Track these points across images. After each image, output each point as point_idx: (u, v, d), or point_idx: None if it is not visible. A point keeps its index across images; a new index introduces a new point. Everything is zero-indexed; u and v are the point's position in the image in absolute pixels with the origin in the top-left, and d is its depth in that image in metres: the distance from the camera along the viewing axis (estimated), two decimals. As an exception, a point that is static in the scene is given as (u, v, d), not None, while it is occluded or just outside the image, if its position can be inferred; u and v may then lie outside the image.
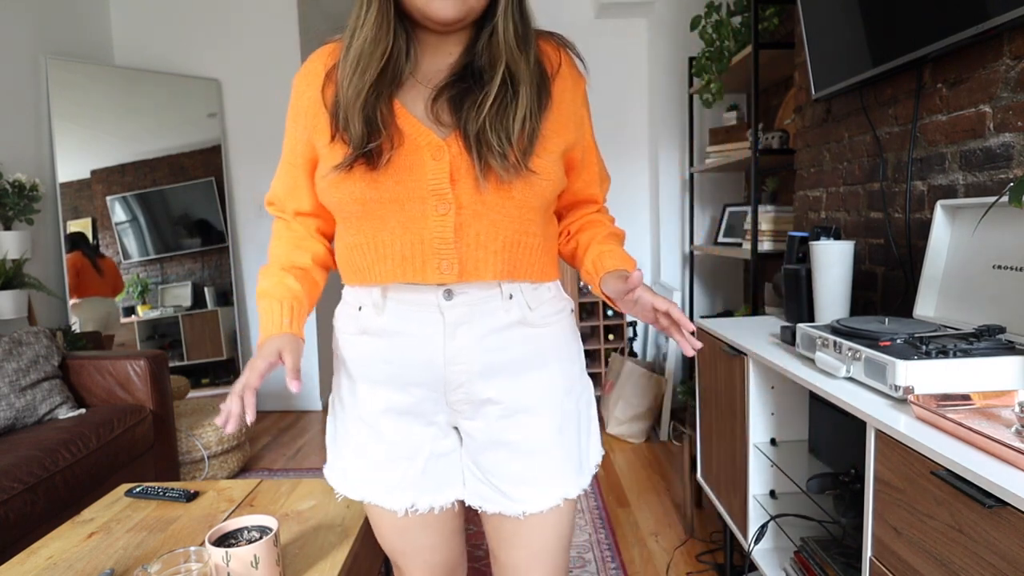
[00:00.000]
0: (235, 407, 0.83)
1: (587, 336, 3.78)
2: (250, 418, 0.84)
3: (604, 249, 0.99)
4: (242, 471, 2.93)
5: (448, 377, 0.92)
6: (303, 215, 1.01)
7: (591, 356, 3.82)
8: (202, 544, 1.10)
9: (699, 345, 0.86)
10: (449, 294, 0.89)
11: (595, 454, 1.04)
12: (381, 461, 0.96)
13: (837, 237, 1.66)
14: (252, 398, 0.84)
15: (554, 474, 0.96)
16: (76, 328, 3.10)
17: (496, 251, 0.88)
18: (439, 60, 0.90)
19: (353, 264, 0.93)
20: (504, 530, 1.00)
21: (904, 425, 0.98)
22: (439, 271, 0.87)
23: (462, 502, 1.02)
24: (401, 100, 0.87)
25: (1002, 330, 1.14)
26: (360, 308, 0.95)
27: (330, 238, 1.04)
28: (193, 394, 3.50)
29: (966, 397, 1.00)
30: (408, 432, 0.95)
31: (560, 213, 1.07)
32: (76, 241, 3.19)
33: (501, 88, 0.85)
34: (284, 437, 3.43)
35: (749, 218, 2.60)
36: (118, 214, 3.34)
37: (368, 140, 0.84)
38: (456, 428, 0.99)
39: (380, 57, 0.84)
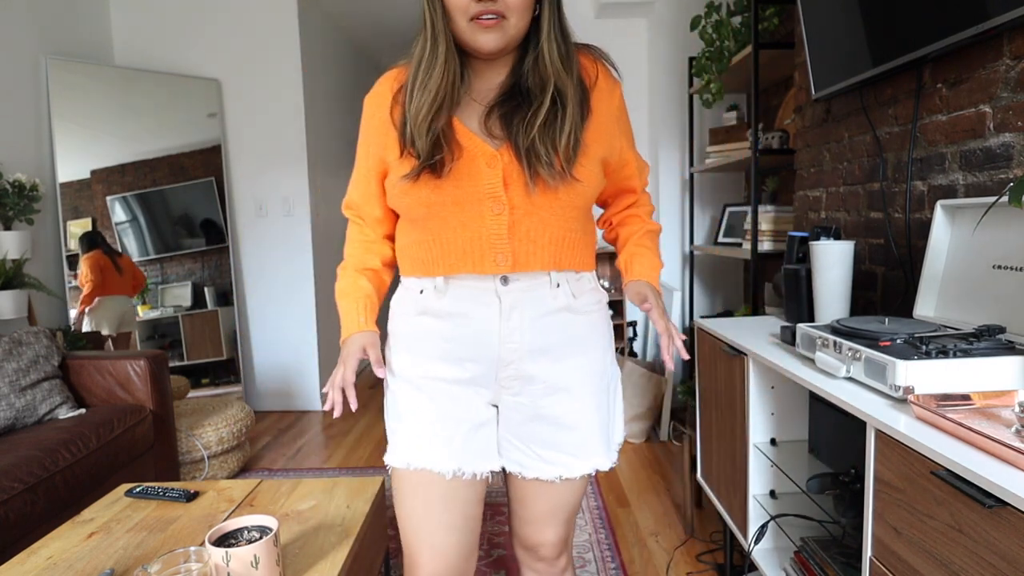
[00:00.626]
0: (339, 397, 1.01)
1: (587, 336, 3.78)
2: (354, 406, 1.01)
3: (636, 251, 1.15)
4: (242, 471, 2.93)
5: (502, 355, 1.03)
6: (377, 220, 1.13)
7: (591, 356, 3.82)
8: (202, 544, 1.10)
9: (679, 358, 0.97)
10: (505, 280, 1.01)
11: (619, 434, 1.15)
12: (433, 419, 1.05)
13: (837, 237, 1.66)
14: (352, 391, 1.02)
15: (589, 446, 1.08)
16: (89, 325, 3.11)
17: (544, 245, 1.01)
18: (489, 81, 1.02)
19: (418, 258, 1.05)
20: (533, 489, 1.11)
21: (904, 425, 0.98)
22: (495, 263, 0.99)
23: (484, 489, 1.12)
24: (459, 117, 1.00)
25: (1002, 330, 1.14)
26: (422, 291, 1.06)
27: (394, 240, 1.16)
28: (193, 394, 3.50)
29: (966, 397, 1.00)
30: (458, 396, 1.05)
31: (604, 201, 1.21)
32: (94, 240, 3.19)
33: (552, 106, 0.96)
34: (284, 437, 3.43)
35: (749, 218, 2.60)
36: (118, 214, 3.34)
37: (432, 154, 0.96)
38: (495, 406, 1.09)
39: (444, 85, 0.96)
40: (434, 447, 1.04)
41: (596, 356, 1.09)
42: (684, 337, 1.01)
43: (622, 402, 1.16)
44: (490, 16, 0.91)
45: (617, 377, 1.15)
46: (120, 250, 3.34)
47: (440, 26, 0.94)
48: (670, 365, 1.00)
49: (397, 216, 1.12)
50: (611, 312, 1.19)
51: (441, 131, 0.96)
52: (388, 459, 1.08)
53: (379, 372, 1.02)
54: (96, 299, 3.14)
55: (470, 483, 1.06)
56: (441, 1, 0.93)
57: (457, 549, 1.07)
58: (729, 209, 3.25)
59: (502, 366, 1.04)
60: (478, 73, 1.02)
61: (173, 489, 1.64)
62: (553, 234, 1.01)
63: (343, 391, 1.02)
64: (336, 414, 1.01)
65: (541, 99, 0.96)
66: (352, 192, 1.14)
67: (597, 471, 1.09)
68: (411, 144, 0.97)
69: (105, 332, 3.18)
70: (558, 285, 1.04)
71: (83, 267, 3.11)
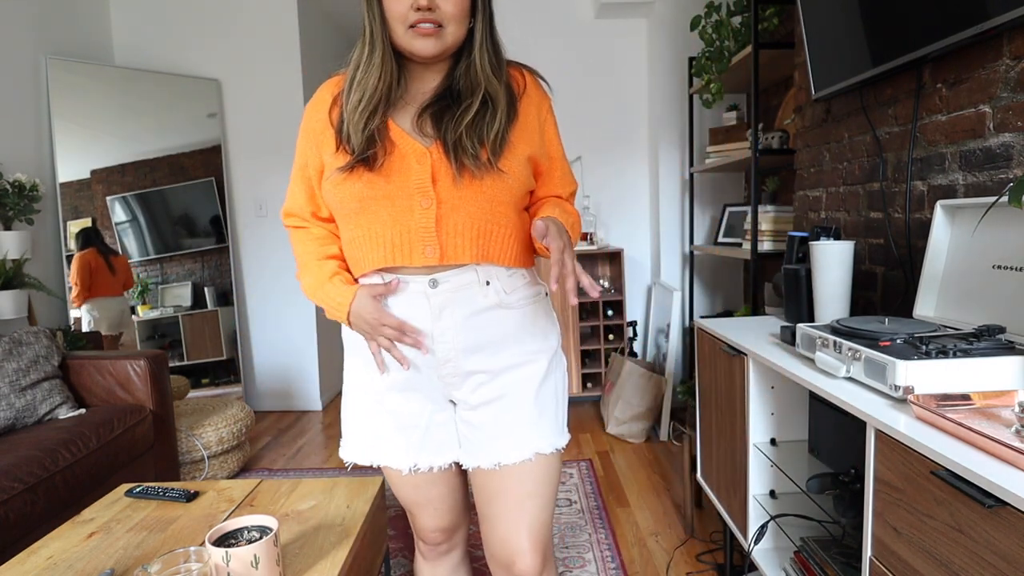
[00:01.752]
0: (407, 348, 1.07)
1: (587, 336, 3.78)
2: (424, 348, 1.07)
3: (547, 208, 1.12)
4: (242, 471, 2.93)
5: (437, 354, 1.08)
6: (321, 219, 1.16)
7: (591, 356, 3.82)
8: (202, 544, 1.10)
9: (568, 295, 0.94)
10: (434, 283, 1.05)
11: (562, 417, 1.17)
12: (389, 431, 1.14)
13: (837, 237, 1.66)
14: (416, 332, 1.06)
15: (527, 431, 1.10)
16: (88, 325, 3.10)
17: (471, 238, 1.04)
18: (424, 84, 1.09)
19: (353, 257, 1.10)
20: (487, 487, 1.13)
21: (904, 425, 0.98)
22: (424, 255, 1.03)
23: (454, 467, 1.20)
24: (393, 117, 1.05)
25: (1002, 330, 1.15)
26: None
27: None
28: (193, 394, 3.50)
29: (966, 397, 1.00)
30: (410, 404, 1.12)
31: (531, 209, 1.20)
32: (90, 237, 3.19)
33: (481, 106, 1.03)
34: (284, 437, 3.43)
35: (749, 218, 2.60)
36: (118, 214, 3.34)
37: (366, 149, 1.02)
38: (452, 401, 1.15)
39: (381, 87, 1.02)
40: (390, 449, 1.14)
41: (533, 345, 1.11)
42: (589, 283, 0.93)
43: (566, 390, 1.18)
44: (428, 24, 0.98)
45: (561, 365, 1.17)
46: (119, 250, 3.34)
47: (378, 32, 1.01)
48: (572, 301, 0.92)
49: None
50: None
51: (376, 129, 1.02)
52: (349, 456, 1.17)
53: (389, 280, 1.06)
54: (87, 299, 3.14)
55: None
56: (380, 10, 1.00)
57: (449, 507, 1.23)
58: (729, 209, 3.25)
59: (440, 364, 1.08)
60: (414, 77, 1.08)
61: (173, 489, 1.64)
62: (480, 228, 1.04)
63: (406, 340, 1.05)
64: (406, 366, 1.08)
65: (471, 100, 1.03)
66: (291, 200, 1.17)
67: (537, 454, 1.10)
68: (347, 140, 1.03)
69: (104, 333, 3.17)
70: (487, 283, 1.06)
71: (73, 265, 3.11)
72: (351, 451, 1.18)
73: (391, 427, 1.13)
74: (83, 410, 2.29)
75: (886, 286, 1.75)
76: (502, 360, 1.09)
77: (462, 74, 1.06)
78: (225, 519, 1.48)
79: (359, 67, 1.04)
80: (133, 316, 3.39)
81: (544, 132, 1.12)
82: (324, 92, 1.12)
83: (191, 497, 1.60)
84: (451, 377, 1.10)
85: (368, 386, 1.13)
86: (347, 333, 1.16)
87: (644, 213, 3.82)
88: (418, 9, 0.97)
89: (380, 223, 1.04)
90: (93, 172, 3.23)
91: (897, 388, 1.07)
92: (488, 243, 1.05)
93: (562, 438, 1.14)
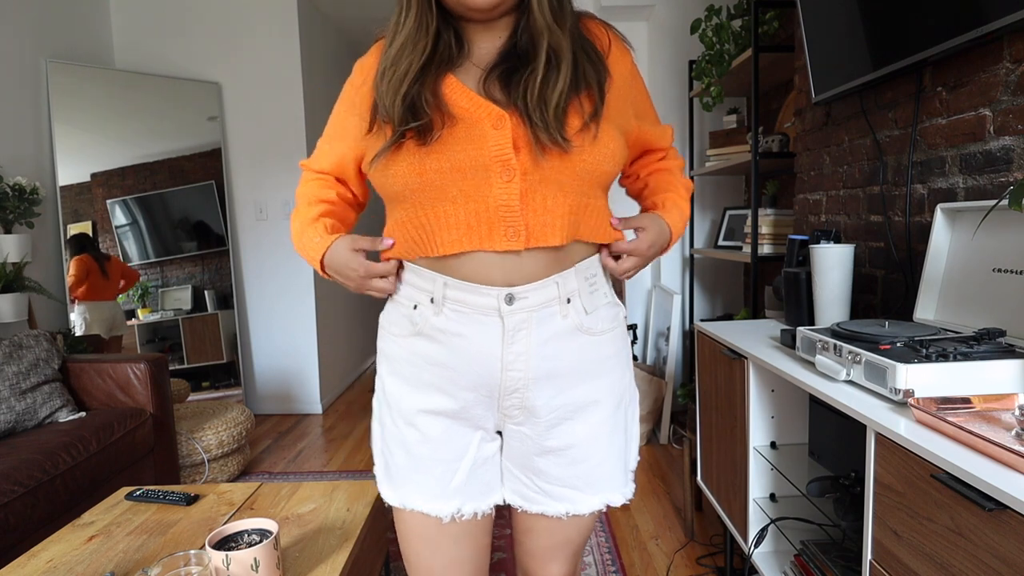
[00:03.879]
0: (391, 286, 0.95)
1: (587, 339, 3.77)
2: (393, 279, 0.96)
3: (669, 197, 1.06)
4: (242, 474, 2.93)
5: (504, 383, 0.92)
6: (339, 180, 1.04)
7: (591, 359, 3.81)
8: (202, 547, 1.10)
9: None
10: (510, 299, 0.88)
11: (634, 460, 1.05)
12: (425, 460, 0.95)
13: (837, 240, 1.66)
14: (393, 277, 0.95)
15: (601, 481, 0.99)
16: (80, 329, 3.10)
17: (562, 215, 0.88)
18: (489, 44, 0.93)
19: (411, 237, 0.91)
20: (538, 523, 1.03)
21: (904, 428, 0.98)
22: (506, 238, 0.86)
23: (492, 517, 1.04)
24: (458, 77, 0.90)
25: (1002, 333, 1.15)
26: (416, 307, 0.93)
27: (350, 192, 1.07)
28: (193, 397, 3.50)
29: (966, 400, 1.00)
30: (453, 435, 0.96)
31: (629, 160, 1.10)
32: (83, 243, 3.19)
33: (546, 64, 0.86)
34: (284, 440, 3.43)
35: (749, 221, 2.60)
36: (118, 217, 3.34)
37: (410, 120, 0.85)
38: (499, 432, 1.00)
39: (420, 55, 0.87)
40: (429, 489, 0.96)
41: (611, 380, 0.98)
42: (626, 273, 0.97)
43: (638, 424, 1.05)
44: None
45: (635, 399, 1.05)
46: (118, 253, 3.34)
47: None
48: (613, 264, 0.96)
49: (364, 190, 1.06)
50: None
51: (419, 95, 0.86)
52: (386, 495, 1.01)
53: (385, 244, 0.94)
54: (79, 302, 3.14)
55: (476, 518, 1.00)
56: None
57: (471, 574, 1.04)
58: (729, 212, 3.25)
59: (504, 395, 0.93)
60: (477, 38, 0.93)
61: (173, 492, 1.64)
62: (572, 202, 0.89)
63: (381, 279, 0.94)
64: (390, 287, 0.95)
65: (536, 61, 0.87)
66: (317, 159, 1.04)
67: (608, 506, 0.99)
68: (385, 115, 0.88)
69: (98, 335, 3.18)
70: (568, 300, 0.91)
71: (71, 268, 3.12)
72: (383, 487, 1.02)
73: (427, 457, 0.95)
74: (83, 413, 2.29)
75: (886, 289, 1.75)
76: (577, 395, 0.95)
77: (524, 28, 0.90)
78: (225, 522, 1.48)
79: (396, 33, 0.89)
80: (133, 319, 3.39)
81: (633, 92, 1.00)
82: (375, 55, 0.96)
83: (191, 500, 1.60)
84: (513, 410, 0.95)
85: (405, 410, 0.96)
86: (386, 349, 0.99)
87: (644, 216, 3.82)
88: None
89: (448, 201, 0.87)
90: (93, 175, 3.24)
91: (897, 391, 1.07)
92: (580, 219, 0.90)
93: (630, 485, 1.03)
